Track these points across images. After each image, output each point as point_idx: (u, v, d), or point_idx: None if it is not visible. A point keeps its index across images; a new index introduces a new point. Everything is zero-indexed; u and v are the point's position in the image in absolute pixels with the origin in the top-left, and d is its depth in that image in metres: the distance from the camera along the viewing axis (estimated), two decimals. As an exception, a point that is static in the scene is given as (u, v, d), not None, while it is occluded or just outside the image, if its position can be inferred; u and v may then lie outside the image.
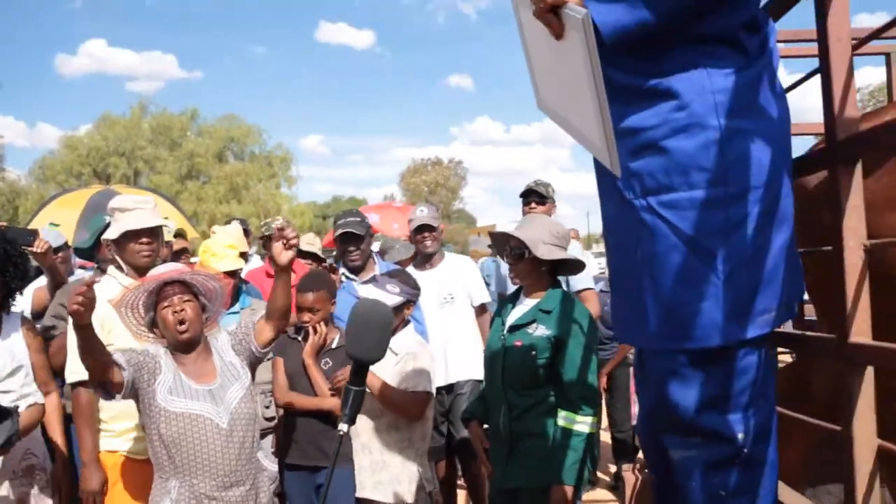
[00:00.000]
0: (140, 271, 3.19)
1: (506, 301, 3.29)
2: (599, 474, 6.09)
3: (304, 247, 4.92)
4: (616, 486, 5.76)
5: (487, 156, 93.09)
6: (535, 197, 4.70)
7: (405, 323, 3.43)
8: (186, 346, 2.78)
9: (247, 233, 5.36)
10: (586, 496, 5.20)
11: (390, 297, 3.30)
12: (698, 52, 1.66)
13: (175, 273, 2.82)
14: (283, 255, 2.85)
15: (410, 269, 4.64)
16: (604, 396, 4.91)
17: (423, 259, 4.77)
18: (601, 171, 1.85)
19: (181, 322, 2.73)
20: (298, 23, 78.38)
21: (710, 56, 1.66)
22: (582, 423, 2.92)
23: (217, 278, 2.96)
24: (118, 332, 3.00)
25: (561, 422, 2.94)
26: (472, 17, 79.55)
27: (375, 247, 5.55)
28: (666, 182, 1.69)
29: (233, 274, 4.01)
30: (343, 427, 2.11)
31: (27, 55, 63.15)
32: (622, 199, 1.78)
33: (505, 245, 3.16)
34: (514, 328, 3.07)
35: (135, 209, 3.25)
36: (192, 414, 2.67)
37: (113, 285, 3.19)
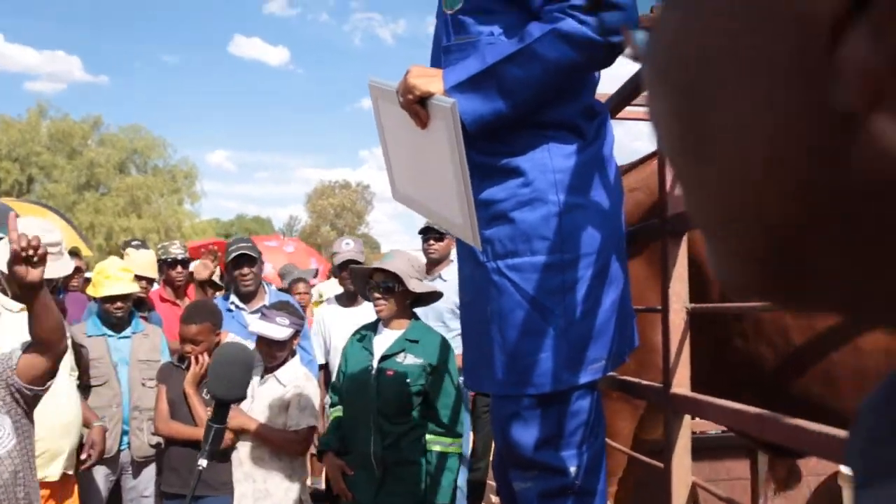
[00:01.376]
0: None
1: (361, 332, 3.44)
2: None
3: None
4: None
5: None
6: (433, 233, 4.90)
7: (293, 353, 3.57)
8: None
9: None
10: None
11: (281, 329, 3.44)
12: (541, 136, 1.90)
13: None
14: (29, 274, 2.20)
15: (334, 308, 4.74)
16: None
17: (351, 296, 4.75)
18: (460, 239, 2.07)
19: None
20: (213, 34, 77.09)
21: (551, 139, 1.91)
22: (454, 446, 3.19)
23: None
24: None
25: (436, 447, 3.16)
26: (388, 41, 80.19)
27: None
28: (512, 248, 1.92)
29: (125, 298, 4.04)
30: (202, 462, 2.28)
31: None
32: (477, 262, 1.99)
33: (367, 279, 3.35)
34: (384, 357, 3.24)
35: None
36: None
37: None
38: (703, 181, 0.34)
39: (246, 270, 4.30)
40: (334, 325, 4.67)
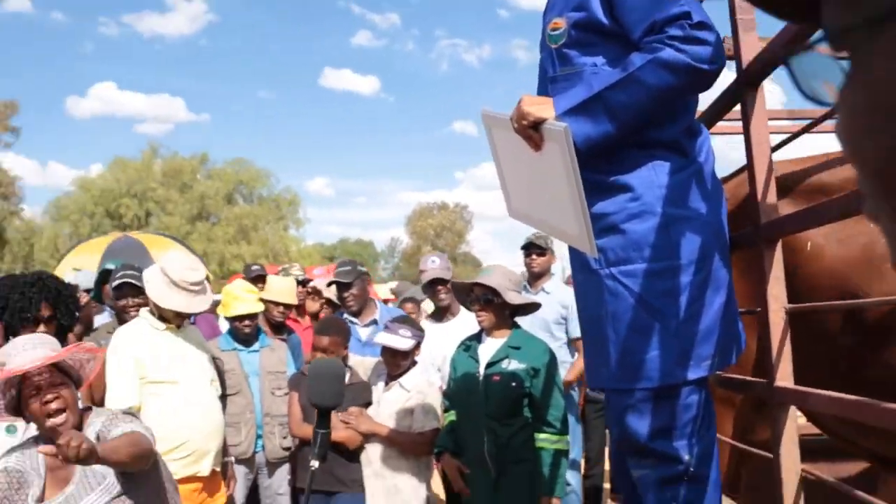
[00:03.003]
0: (172, 321, 3.57)
1: (466, 343, 3.70)
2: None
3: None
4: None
5: (492, 200, 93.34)
6: (535, 249, 5.10)
7: (414, 363, 3.86)
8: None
9: (262, 278, 5.70)
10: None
11: (404, 340, 3.75)
12: (647, 155, 2.11)
13: (39, 359, 2.39)
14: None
15: (426, 324, 4.80)
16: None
17: (440, 311, 4.85)
18: (573, 248, 2.28)
19: (54, 409, 2.38)
20: (303, 69, 79.79)
21: (656, 157, 2.11)
22: (560, 442, 3.43)
23: (84, 349, 2.60)
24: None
25: (544, 444, 3.41)
26: (474, 65, 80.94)
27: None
28: (624, 256, 2.12)
29: (252, 316, 4.42)
30: (314, 463, 2.58)
31: (39, 96, 64.49)
32: (590, 269, 2.21)
33: (468, 293, 3.63)
34: (490, 364, 3.49)
35: (186, 291, 3.51)
36: None
37: (145, 327, 3.53)
38: None
39: (346, 294, 4.62)
40: (427, 339, 4.83)
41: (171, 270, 3.49)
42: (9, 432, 2.97)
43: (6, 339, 3.19)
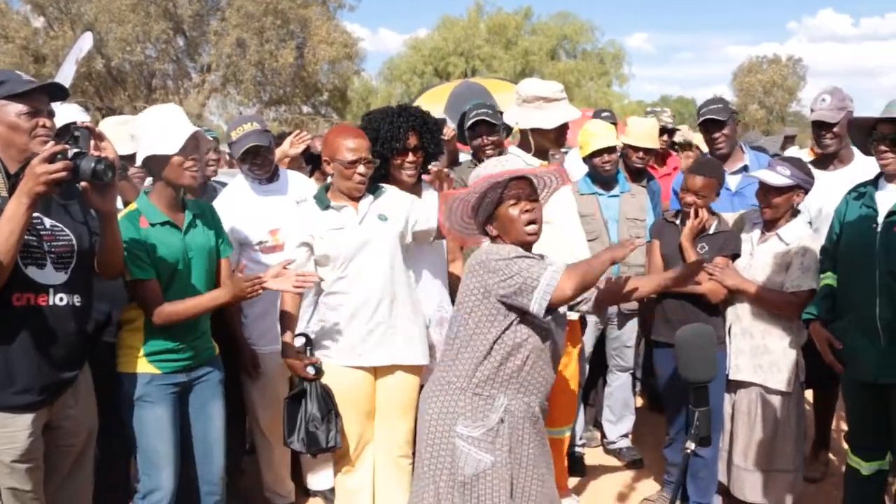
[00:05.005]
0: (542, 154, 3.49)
1: (859, 190, 3.17)
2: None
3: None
4: None
5: (830, 53, 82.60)
6: None
7: (795, 213, 3.42)
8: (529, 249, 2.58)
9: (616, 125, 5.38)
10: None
11: (778, 177, 3.33)
12: None
13: (526, 171, 2.63)
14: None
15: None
16: None
17: (827, 157, 4.06)
18: None
19: (532, 222, 2.54)
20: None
21: None
22: None
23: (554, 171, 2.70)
24: None
25: None
26: None
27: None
28: None
29: (611, 151, 4.22)
30: (690, 445, 2.29)
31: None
32: None
33: (869, 132, 3.05)
34: (892, 214, 2.96)
35: (556, 101, 3.47)
36: (548, 329, 2.55)
37: (516, 163, 3.50)
38: None
39: (717, 135, 4.18)
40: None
41: (522, 89, 3.47)
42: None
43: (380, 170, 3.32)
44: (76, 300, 2.55)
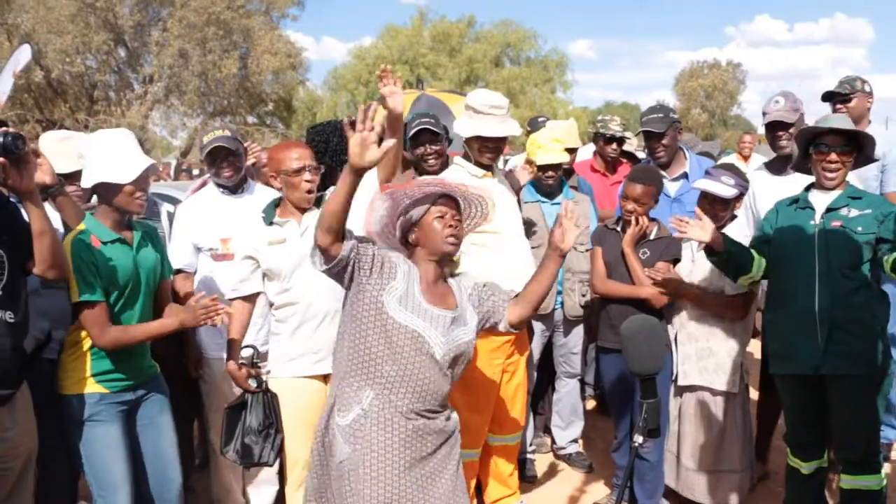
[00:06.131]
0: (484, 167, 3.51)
1: (792, 197, 3.31)
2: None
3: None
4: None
5: (767, 57, 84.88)
6: (838, 97, 4.39)
7: (733, 217, 3.53)
8: (440, 261, 2.65)
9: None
10: None
11: (725, 188, 3.43)
12: None
13: (458, 188, 2.67)
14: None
15: (760, 174, 4.21)
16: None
17: (781, 162, 4.08)
18: None
19: (453, 237, 2.60)
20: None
21: None
22: None
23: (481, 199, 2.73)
24: None
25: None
26: None
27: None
28: None
29: (557, 167, 4.21)
30: (638, 439, 2.35)
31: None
32: None
33: (823, 139, 3.15)
34: (829, 210, 3.12)
35: (490, 115, 3.48)
36: (413, 331, 2.49)
37: (461, 175, 3.49)
38: None
39: (656, 144, 4.26)
40: (762, 194, 4.26)
41: (472, 101, 3.49)
42: None
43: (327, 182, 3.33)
44: (9, 317, 2.48)
